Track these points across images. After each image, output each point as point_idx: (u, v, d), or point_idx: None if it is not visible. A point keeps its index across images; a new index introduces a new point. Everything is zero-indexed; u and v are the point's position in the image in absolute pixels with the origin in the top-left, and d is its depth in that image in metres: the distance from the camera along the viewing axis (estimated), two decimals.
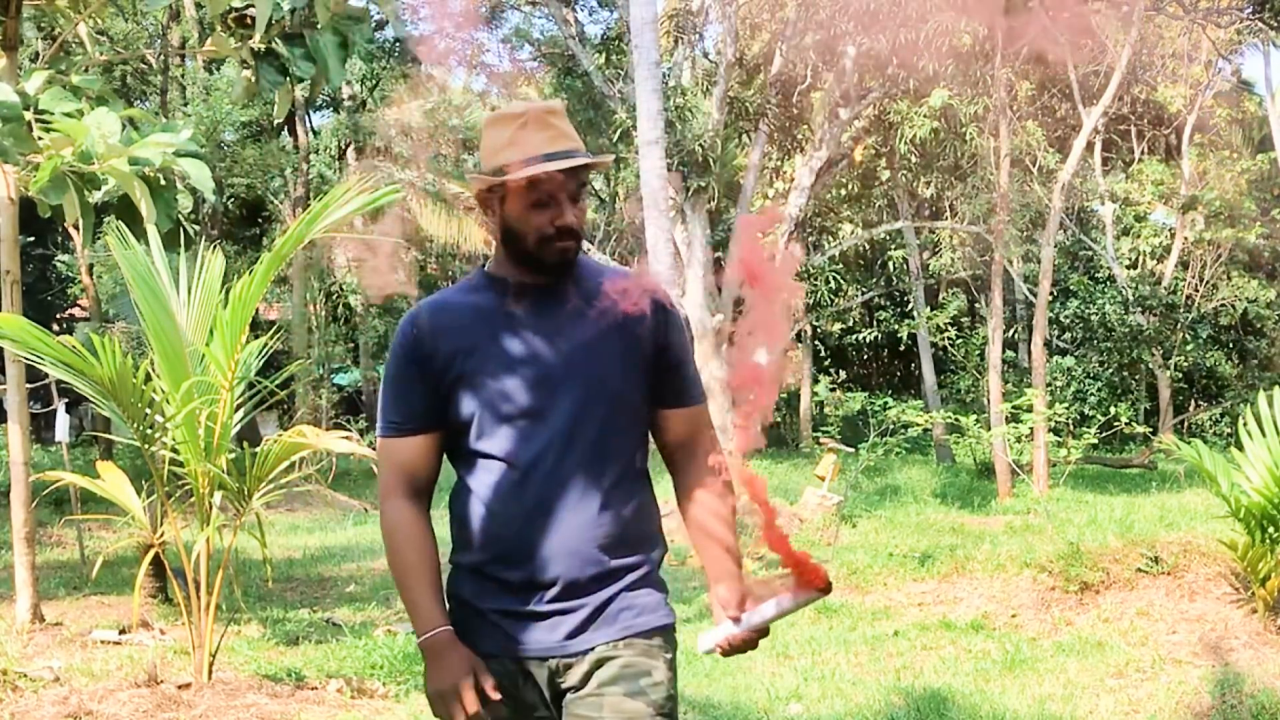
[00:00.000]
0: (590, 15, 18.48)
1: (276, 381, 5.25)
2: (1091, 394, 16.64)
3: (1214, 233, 17.85)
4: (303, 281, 18.17)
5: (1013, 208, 14.12)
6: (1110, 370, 16.87)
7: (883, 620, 6.08)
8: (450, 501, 2.00)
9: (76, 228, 5.80)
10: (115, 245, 4.93)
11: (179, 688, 4.54)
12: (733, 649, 1.93)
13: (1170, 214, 18.90)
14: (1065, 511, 9.30)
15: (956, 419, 11.85)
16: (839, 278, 20.01)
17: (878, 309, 20.84)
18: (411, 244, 16.06)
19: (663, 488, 2.01)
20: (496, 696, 1.88)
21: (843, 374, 18.31)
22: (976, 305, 19.82)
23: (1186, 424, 18.01)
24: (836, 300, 20.45)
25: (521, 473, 1.91)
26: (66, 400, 9.24)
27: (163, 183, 5.38)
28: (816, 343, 22.07)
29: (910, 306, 18.83)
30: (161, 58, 16.53)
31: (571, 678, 1.92)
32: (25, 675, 4.78)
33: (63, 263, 17.57)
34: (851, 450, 11.32)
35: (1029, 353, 16.01)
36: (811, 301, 17.73)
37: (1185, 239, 18.36)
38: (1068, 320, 17.49)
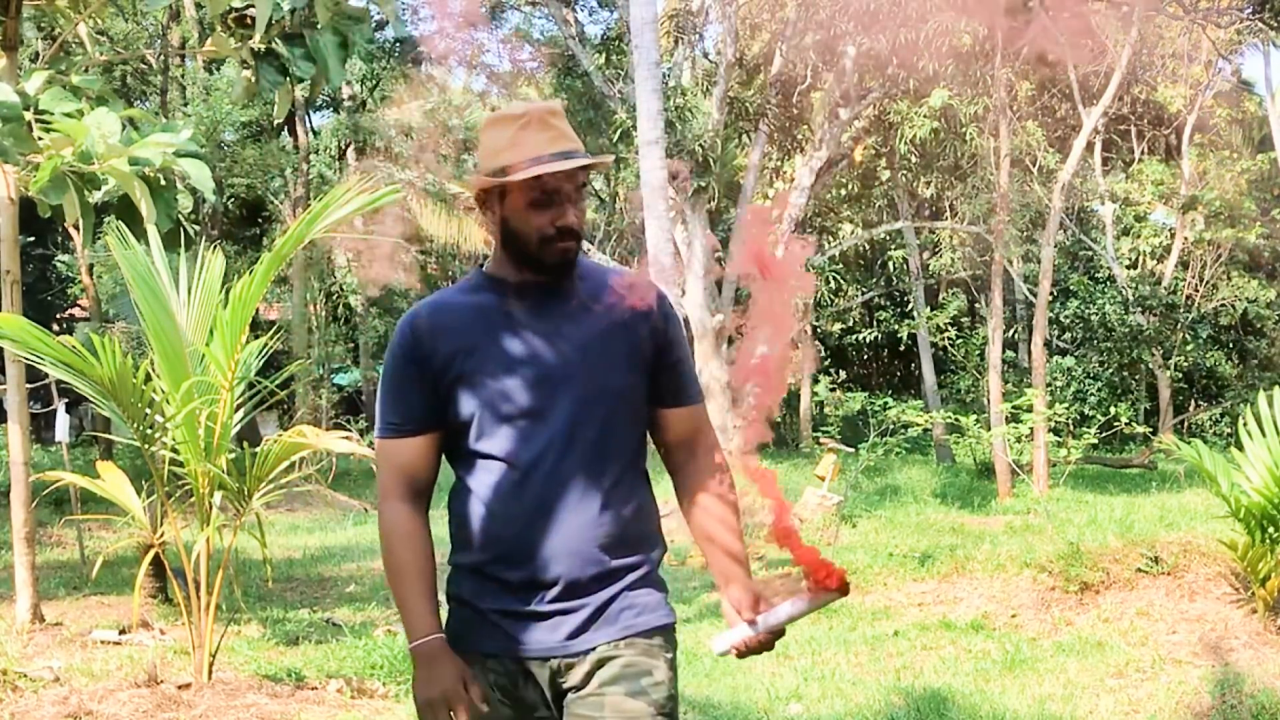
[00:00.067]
0: (590, 15, 18.48)
1: (276, 381, 5.25)
2: (1091, 394, 16.64)
3: (1214, 233, 17.86)
4: (303, 281, 18.17)
5: (1013, 208, 14.12)
6: (1110, 370, 16.88)
7: (883, 620, 6.08)
8: (449, 502, 2.00)
9: (76, 228, 5.80)
10: (115, 245, 4.93)
11: (179, 688, 4.54)
12: (749, 650, 1.93)
13: (1170, 214, 18.90)
14: (1065, 511, 9.30)
15: (956, 419, 11.86)
16: (839, 278, 20.03)
17: (878, 309, 20.84)
18: (411, 242, 16.05)
19: (663, 488, 2.01)
20: (485, 709, 1.88)
21: (843, 374, 18.28)
22: (976, 305, 19.83)
23: (1186, 424, 18.02)
24: (836, 300, 20.47)
25: (522, 473, 1.91)
26: (66, 400, 9.25)
27: (163, 183, 5.38)
28: (817, 343, 22.06)
29: (910, 306, 18.83)
30: (161, 58, 16.52)
31: (573, 677, 1.92)
32: (25, 675, 4.78)
33: (63, 263, 17.57)
34: (851, 450, 11.33)
35: (1029, 353, 16.02)
36: (812, 301, 17.73)
37: (1185, 239, 18.36)
38: (1068, 320, 17.49)
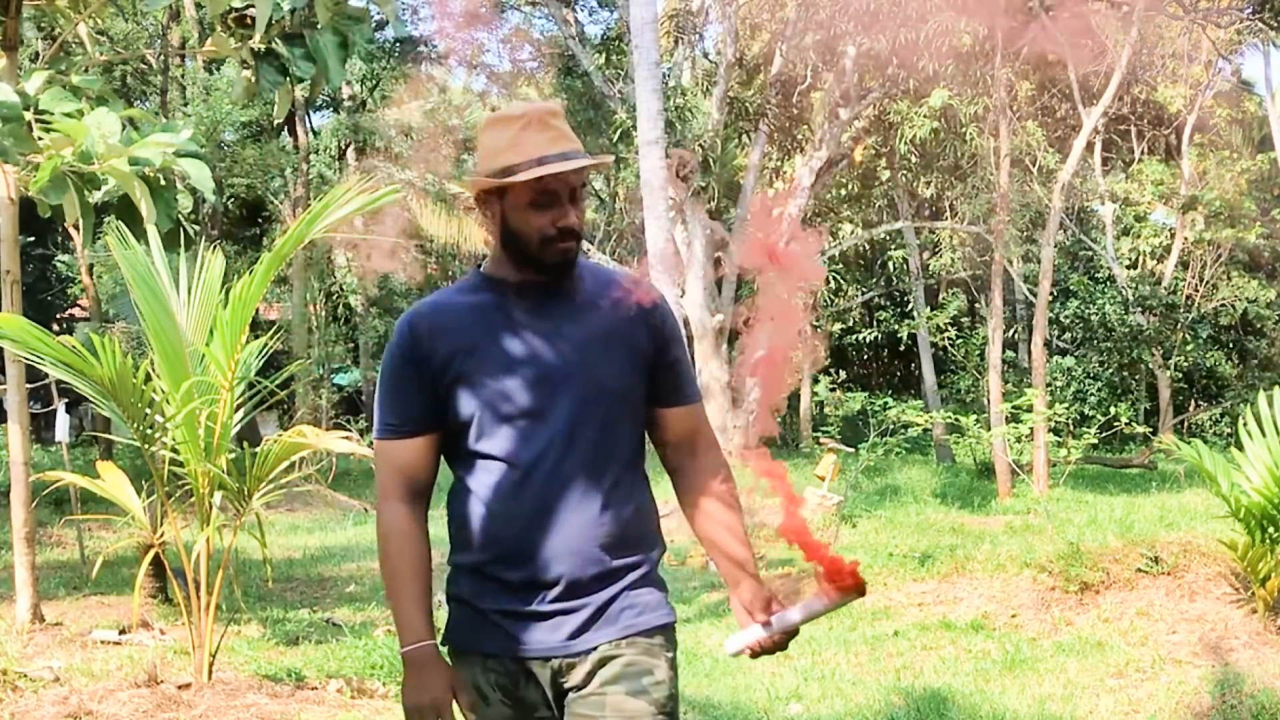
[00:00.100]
0: (590, 15, 18.49)
1: (276, 381, 5.25)
2: (1091, 394, 16.64)
3: (1214, 233, 17.86)
4: (303, 281, 18.17)
5: (1013, 208, 14.12)
6: (1110, 370, 16.87)
7: (883, 620, 6.08)
8: (448, 502, 2.00)
9: (76, 228, 5.80)
10: (115, 245, 4.93)
11: (179, 688, 4.54)
12: (763, 650, 1.93)
13: (1170, 214, 18.90)
14: (1065, 511, 9.30)
15: (956, 419, 11.85)
16: (839, 278, 20.03)
17: (878, 309, 20.84)
18: (411, 239, 16.04)
19: (662, 488, 2.01)
20: (472, 718, 1.89)
21: (843, 374, 18.28)
22: (976, 305, 19.83)
23: (1186, 424, 18.02)
24: (836, 300, 20.47)
25: (522, 473, 1.91)
26: (66, 400, 9.25)
27: (163, 183, 5.38)
28: (822, 335, 22.05)
29: (910, 306, 18.83)
30: (161, 58, 16.52)
31: (574, 677, 1.92)
32: (25, 675, 4.78)
33: (63, 263, 17.57)
34: (851, 450, 11.32)
35: (1029, 353, 16.02)
36: (813, 300, 17.72)
37: (1185, 239, 18.36)
38: (1068, 320, 17.49)
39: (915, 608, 6.32)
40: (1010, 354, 18.26)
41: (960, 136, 14.72)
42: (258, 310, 5.05)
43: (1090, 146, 17.15)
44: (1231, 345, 18.59)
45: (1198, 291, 17.97)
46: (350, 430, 12.72)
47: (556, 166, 1.87)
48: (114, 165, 5.02)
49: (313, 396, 17.68)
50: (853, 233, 18.90)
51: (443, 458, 2.02)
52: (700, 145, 12.63)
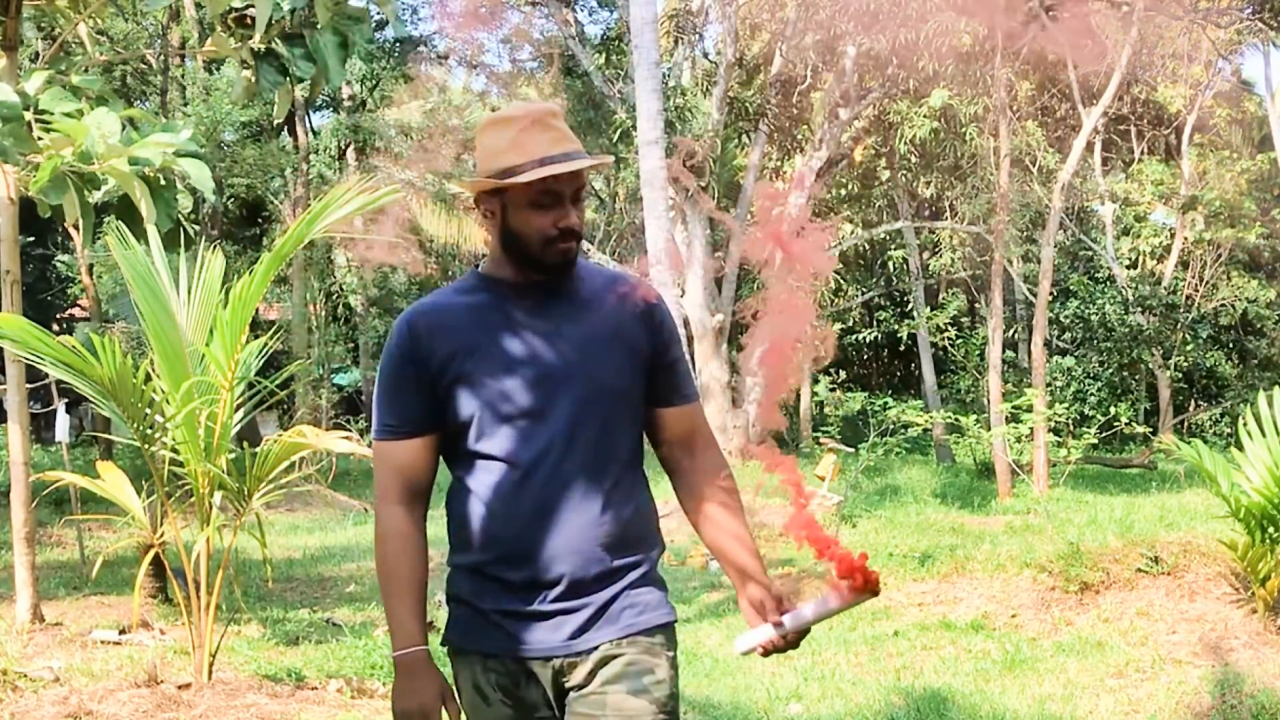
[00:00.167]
0: (590, 15, 18.51)
1: (276, 381, 5.25)
2: (1091, 394, 16.64)
3: (1214, 233, 17.86)
4: (303, 281, 18.17)
5: (1013, 208, 14.13)
6: (1110, 370, 16.87)
7: (883, 620, 6.08)
8: (448, 503, 2.00)
9: (76, 228, 5.80)
10: (115, 245, 4.93)
11: (179, 688, 4.54)
12: (774, 649, 1.92)
13: (1170, 214, 18.90)
14: (1065, 511, 9.30)
15: (956, 419, 11.85)
16: (839, 278, 20.02)
17: (878, 309, 20.84)
18: (411, 233, 16.04)
19: (662, 488, 2.01)
20: None
21: (843, 374, 18.28)
22: (976, 305, 19.84)
23: (1186, 424, 18.01)
24: (836, 300, 20.47)
25: (523, 473, 1.91)
26: (66, 400, 9.25)
27: (163, 183, 5.38)
28: (827, 329, 22.06)
29: (910, 306, 18.83)
30: (161, 58, 16.52)
31: (575, 677, 1.92)
32: (25, 675, 4.78)
33: (63, 263, 17.56)
34: (851, 450, 11.32)
35: (1029, 353, 16.01)
36: (814, 299, 17.72)
37: (1185, 239, 18.36)
38: (1068, 320, 17.49)
39: (915, 608, 6.32)
40: (1010, 354, 18.26)
41: (960, 136, 14.73)
42: (258, 310, 5.05)
43: (1090, 146, 17.16)
44: (1231, 345, 18.59)
45: (1198, 291, 17.97)
46: (350, 430, 12.72)
47: (559, 167, 1.87)
48: (114, 165, 5.01)
49: (313, 396, 17.68)
50: (853, 233, 18.90)
51: (442, 458, 2.02)
52: (700, 145, 12.62)
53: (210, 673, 4.63)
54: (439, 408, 1.95)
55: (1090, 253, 18.75)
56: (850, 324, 22.43)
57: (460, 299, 2.00)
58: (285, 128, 18.56)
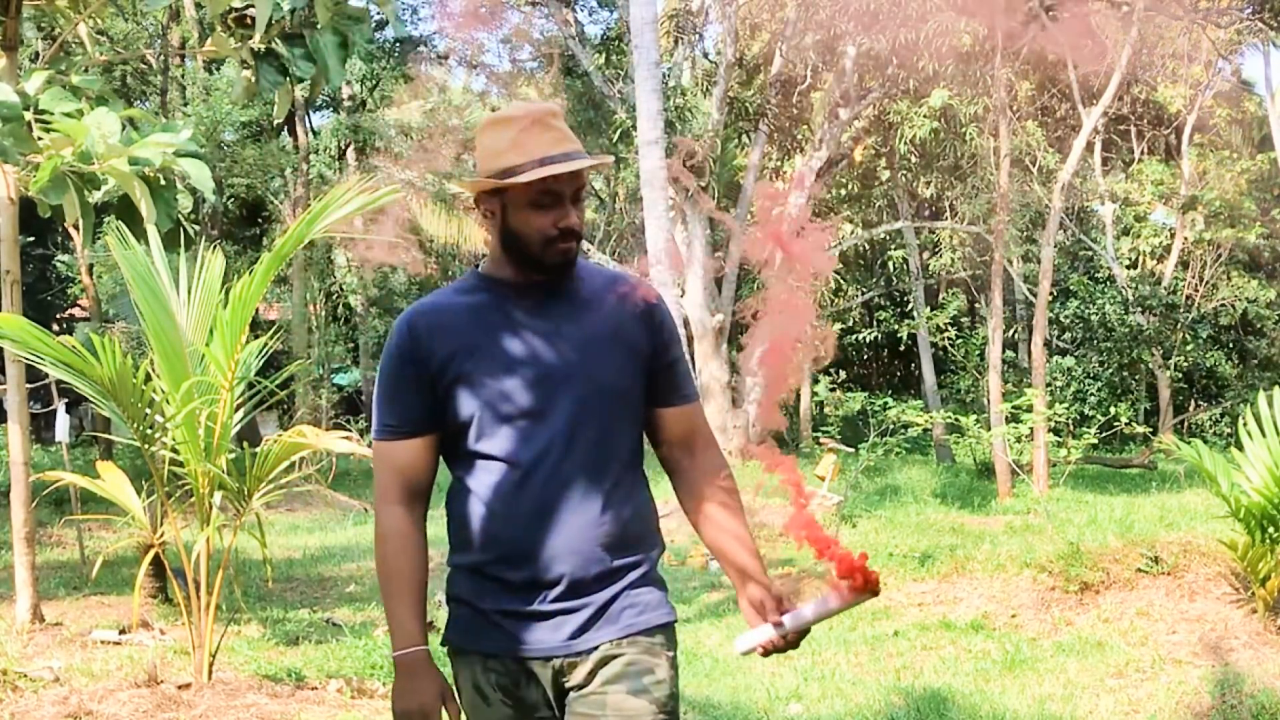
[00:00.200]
0: (590, 15, 18.51)
1: (276, 381, 5.24)
2: (1091, 394, 16.64)
3: (1214, 233, 17.86)
4: (303, 281, 18.17)
5: (1013, 208, 14.13)
6: (1110, 370, 16.87)
7: (883, 620, 6.08)
8: (448, 503, 2.00)
9: (76, 228, 5.80)
10: (115, 245, 4.93)
11: (179, 688, 4.54)
12: (774, 649, 1.92)
13: (1170, 214, 18.91)
14: (1065, 511, 9.30)
15: (956, 419, 11.84)
16: (839, 278, 20.02)
17: (878, 309, 20.84)
18: (411, 233, 16.04)
19: (662, 488, 2.01)
20: None
21: (843, 374, 18.28)
22: (976, 305, 19.84)
23: (1186, 424, 18.02)
24: (836, 300, 20.47)
25: (523, 473, 1.91)
26: (66, 400, 9.25)
27: (163, 183, 5.38)
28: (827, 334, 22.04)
29: (910, 306, 18.83)
30: (161, 58, 16.52)
31: (575, 677, 1.92)
32: (25, 675, 4.78)
33: (63, 263, 17.57)
34: (851, 450, 11.32)
35: (1029, 353, 16.01)
36: (814, 299, 17.73)
37: (1185, 239, 18.37)
38: (1068, 320, 17.49)
39: (915, 608, 6.32)
40: (1010, 354, 18.25)
41: (960, 136, 14.73)
42: (258, 310, 5.05)
43: (1090, 146, 17.16)
44: (1231, 345, 18.59)
45: (1198, 291, 17.97)
46: (350, 430, 12.72)
47: (560, 167, 1.87)
48: (114, 165, 5.01)
49: (313, 396, 17.68)
50: (853, 233, 18.91)
51: (442, 458, 2.02)
52: (700, 145, 12.63)
53: (210, 673, 4.63)
54: (439, 408, 1.95)
55: (1090, 253, 18.75)
56: (850, 324, 22.43)
57: (460, 299, 2.00)
58: (285, 128, 18.56)
